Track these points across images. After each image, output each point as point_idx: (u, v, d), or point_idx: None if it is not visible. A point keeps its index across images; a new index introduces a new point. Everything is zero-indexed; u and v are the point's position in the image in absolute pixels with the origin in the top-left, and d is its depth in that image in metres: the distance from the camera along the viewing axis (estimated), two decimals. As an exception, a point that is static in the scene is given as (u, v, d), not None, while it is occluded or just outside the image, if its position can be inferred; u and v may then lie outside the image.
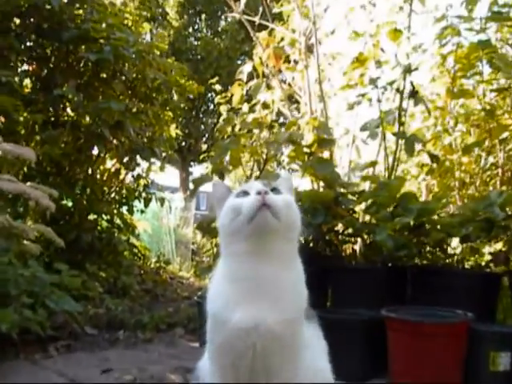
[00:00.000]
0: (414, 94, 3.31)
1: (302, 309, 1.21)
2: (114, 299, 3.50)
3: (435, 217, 2.72)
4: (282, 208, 1.16)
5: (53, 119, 4.03)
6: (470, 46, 3.72)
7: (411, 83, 3.34)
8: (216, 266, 1.26)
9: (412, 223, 2.68)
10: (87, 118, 4.04)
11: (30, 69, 3.98)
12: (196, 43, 15.46)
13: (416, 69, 3.44)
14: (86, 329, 2.87)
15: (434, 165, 3.83)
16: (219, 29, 16.01)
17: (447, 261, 2.84)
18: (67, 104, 4.11)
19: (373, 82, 3.33)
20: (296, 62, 4.75)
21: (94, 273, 3.88)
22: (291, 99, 4.97)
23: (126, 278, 4.12)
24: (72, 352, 2.57)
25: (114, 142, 4.13)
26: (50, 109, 4.01)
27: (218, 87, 6.79)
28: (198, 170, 16.29)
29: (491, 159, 4.06)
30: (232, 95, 4.63)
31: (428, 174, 4.26)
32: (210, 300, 1.22)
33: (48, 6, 3.75)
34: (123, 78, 4.30)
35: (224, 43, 15.11)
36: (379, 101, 3.47)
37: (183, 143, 15.24)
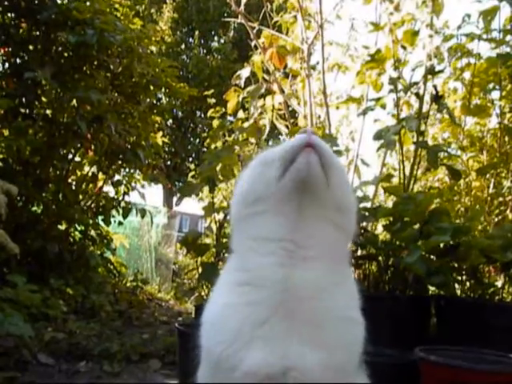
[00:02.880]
0: (437, 98, 2.90)
1: (358, 350, 0.74)
2: (78, 321, 2.97)
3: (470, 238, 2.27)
4: (336, 163, 0.75)
5: (26, 111, 3.55)
6: (489, 60, 3.36)
7: (434, 87, 2.94)
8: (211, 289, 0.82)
9: (442, 245, 2.23)
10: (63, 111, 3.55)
11: (2, 51, 3.49)
12: (188, 61, 15.23)
13: (442, 71, 3.05)
14: (39, 357, 2.32)
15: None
16: (212, 48, 15.86)
17: (479, 292, 2.39)
18: (43, 98, 3.64)
19: (393, 82, 2.90)
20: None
21: (59, 289, 3.36)
22: (288, 109, 4.59)
23: (96, 296, 3.59)
24: (17, 387, 2.03)
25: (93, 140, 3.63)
26: (23, 100, 3.52)
27: (212, 100, 6.47)
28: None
29: (507, 184, 3.68)
30: (226, 104, 4.24)
31: (437, 197, 3.86)
32: (206, 325, 0.74)
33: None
34: (107, 73, 3.84)
35: (216, 62, 14.92)
36: (397, 105, 3.06)
37: (169, 162, 14.87)
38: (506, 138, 3.46)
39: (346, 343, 0.72)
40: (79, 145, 3.69)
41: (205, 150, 4.52)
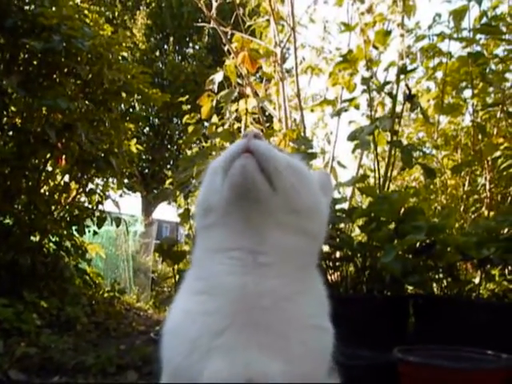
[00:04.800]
0: (410, 97, 2.90)
1: (325, 359, 0.71)
2: (53, 335, 2.89)
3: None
4: (282, 166, 0.70)
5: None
6: (460, 59, 3.38)
7: (407, 85, 2.95)
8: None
9: (418, 244, 2.23)
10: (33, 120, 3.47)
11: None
12: (163, 67, 15.11)
13: (414, 69, 3.06)
14: (9, 373, 2.24)
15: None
16: (187, 54, 15.78)
17: (456, 289, 2.39)
18: (11, 107, 3.55)
19: (366, 82, 2.89)
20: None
21: (32, 302, 3.27)
22: (263, 114, 4.57)
23: (71, 308, 3.50)
24: (-14, 405, 1.96)
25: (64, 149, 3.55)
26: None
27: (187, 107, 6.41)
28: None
29: (482, 181, 3.71)
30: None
31: (413, 196, 3.87)
32: (165, 335, 0.71)
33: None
34: (77, 80, 3.77)
35: (191, 68, 14.82)
36: (370, 105, 3.06)
37: (146, 170, 14.72)
38: (480, 136, 3.48)
39: (310, 353, 0.69)
40: (50, 154, 3.61)
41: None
